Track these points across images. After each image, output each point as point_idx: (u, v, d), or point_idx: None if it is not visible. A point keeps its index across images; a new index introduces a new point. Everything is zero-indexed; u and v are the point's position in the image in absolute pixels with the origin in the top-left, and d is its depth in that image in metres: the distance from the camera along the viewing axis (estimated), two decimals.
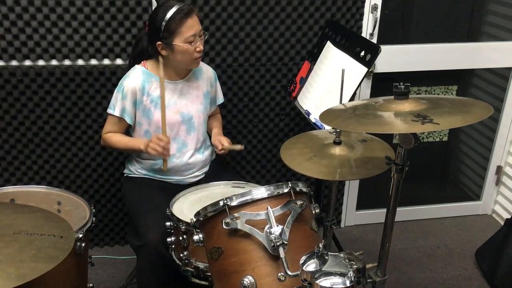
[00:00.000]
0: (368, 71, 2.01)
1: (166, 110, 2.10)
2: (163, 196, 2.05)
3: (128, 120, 2.11)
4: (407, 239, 2.95)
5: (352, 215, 3.07)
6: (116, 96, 2.09)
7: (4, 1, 2.24)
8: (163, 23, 1.96)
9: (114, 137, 2.15)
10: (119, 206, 2.74)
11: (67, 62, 2.40)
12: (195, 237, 1.58)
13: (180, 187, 2.13)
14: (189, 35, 1.98)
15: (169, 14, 1.96)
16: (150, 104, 2.10)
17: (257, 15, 2.47)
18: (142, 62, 2.13)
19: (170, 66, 2.10)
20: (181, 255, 1.84)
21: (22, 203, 1.89)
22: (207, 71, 2.25)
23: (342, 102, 1.93)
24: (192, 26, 1.98)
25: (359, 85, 2.02)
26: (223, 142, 2.18)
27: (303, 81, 2.38)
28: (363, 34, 2.62)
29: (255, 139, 2.75)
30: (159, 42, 2.01)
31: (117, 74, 2.42)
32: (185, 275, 1.87)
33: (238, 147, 2.18)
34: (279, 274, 1.43)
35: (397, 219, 3.04)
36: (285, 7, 2.48)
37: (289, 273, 1.40)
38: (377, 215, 3.04)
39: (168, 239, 1.87)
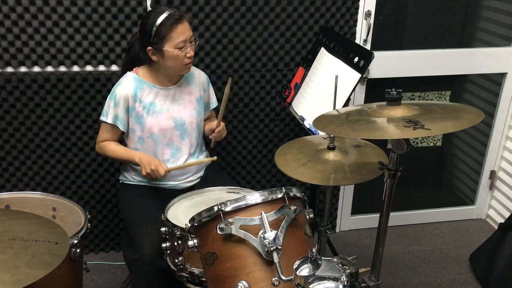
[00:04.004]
0: (361, 77, 2.02)
1: (158, 116, 2.12)
2: (158, 203, 2.05)
3: (121, 127, 2.12)
4: (402, 243, 2.96)
5: (347, 220, 3.08)
6: (109, 104, 2.10)
7: (0, 8, 2.25)
8: (154, 29, 1.98)
9: (109, 146, 2.16)
10: (114, 212, 2.74)
11: (62, 69, 2.41)
12: (190, 243, 1.59)
13: (175, 193, 2.13)
14: (179, 41, 1.99)
15: (159, 20, 1.97)
16: (143, 110, 2.11)
17: (251, 22, 2.49)
18: (134, 69, 2.14)
19: (161, 72, 2.11)
20: (176, 260, 1.84)
21: (17, 209, 1.89)
22: (199, 76, 2.26)
23: (336, 108, 1.94)
24: (182, 32, 1.99)
25: (353, 91, 2.04)
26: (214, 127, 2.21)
27: (298, 87, 2.40)
28: (357, 41, 2.64)
29: (250, 144, 2.76)
30: (149, 47, 2.02)
31: (112, 81, 2.42)
32: (180, 281, 1.87)
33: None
34: (273, 279, 1.44)
35: (392, 223, 3.06)
36: (280, 13, 2.50)
37: (283, 277, 1.40)
38: (372, 220, 3.05)
39: (163, 245, 1.88)
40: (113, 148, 2.16)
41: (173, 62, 2.04)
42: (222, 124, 2.21)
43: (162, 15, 1.97)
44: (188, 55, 2.04)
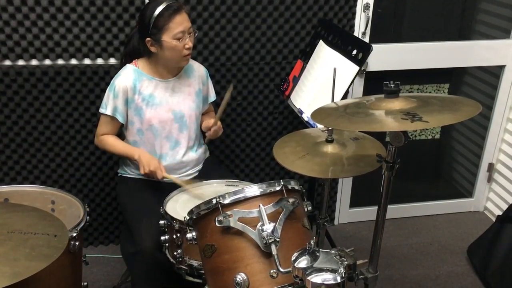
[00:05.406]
0: (360, 70, 2.02)
1: (158, 109, 2.12)
2: (157, 197, 2.05)
3: (120, 119, 2.12)
4: (400, 236, 2.97)
5: (345, 213, 3.09)
6: (108, 95, 2.10)
7: None
8: (152, 19, 1.98)
9: (109, 140, 2.16)
10: (113, 205, 2.75)
11: (60, 62, 2.41)
12: (189, 235, 1.59)
13: (174, 186, 2.13)
14: (178, 31, 1.99)
15: (157, 11, 1.97)
16: (142, 102, 2.11)
17: (250, 14, 2.48)
18: (133, 61, 2.14)
19: (160, 64, 2.11)
20: (175, 253, 1.85)
21: (16, 202, 1.89)
22: (198, 69, 2.26)
23: (334, 101, 1.94)
24: (180, 22, 1.99)
25: (351, 83, 2.04)
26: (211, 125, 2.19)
27: (296, 80, 2.39)
28: (356, 33, 2.63)
29: (249, 137, 2.76)
30: (148, 39, 2.02)
31: (110, 74, 2.42)
32: (179, 273, 1.88)
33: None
34: (271, 271, 1.44)
35: (390, 216, 3.07)
36: (278, 6, 2.49)
37: (281, 269, 1.41)
38: (371, 212, 3.06)
39: (162, 238, 1.89)
40: (112, 143, 2.16)
41: (172, 53, 2.04)
42: (219, 123, 2.21)
43: (160, 6, 1.98)
44: (187, 46, 2.04)
